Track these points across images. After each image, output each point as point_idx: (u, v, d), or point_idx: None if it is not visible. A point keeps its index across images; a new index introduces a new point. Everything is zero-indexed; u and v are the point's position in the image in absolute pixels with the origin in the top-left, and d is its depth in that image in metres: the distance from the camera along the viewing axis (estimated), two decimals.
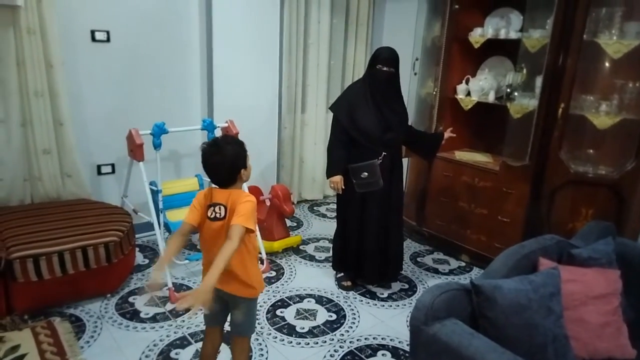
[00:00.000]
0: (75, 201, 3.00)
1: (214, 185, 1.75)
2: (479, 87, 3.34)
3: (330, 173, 2.73)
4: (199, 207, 1.73)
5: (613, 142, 2.82)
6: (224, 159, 1.67)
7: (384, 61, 2.65)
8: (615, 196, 2.75)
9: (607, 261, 1.85)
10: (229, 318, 1.89)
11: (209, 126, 3.12)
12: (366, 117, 2.64)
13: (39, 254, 2.38)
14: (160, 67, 3.36)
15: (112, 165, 3.33)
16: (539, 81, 2.85)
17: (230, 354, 1.93)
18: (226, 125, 3.18)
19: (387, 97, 2.68)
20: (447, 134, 3.00)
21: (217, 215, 1.69)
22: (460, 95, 3.43)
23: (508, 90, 3.21)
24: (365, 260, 2.86)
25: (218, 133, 3.21)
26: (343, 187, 2.71)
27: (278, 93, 3.86)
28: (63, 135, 2.93)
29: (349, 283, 2.98)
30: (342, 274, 3.03)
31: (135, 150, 2.78)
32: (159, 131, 2.86)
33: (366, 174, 2.66)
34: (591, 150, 2.90)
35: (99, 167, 3.28)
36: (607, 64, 2.76)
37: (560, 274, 1.69)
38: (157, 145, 2.87)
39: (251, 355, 2.26)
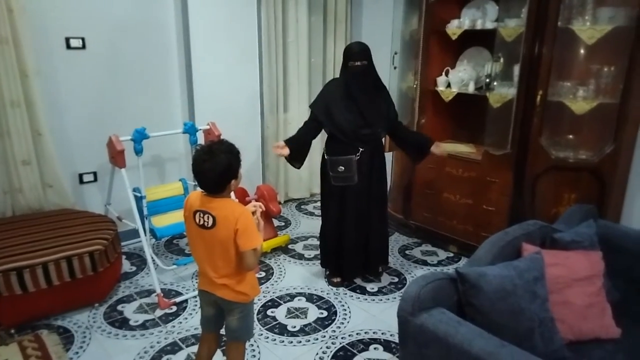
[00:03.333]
0: (58, 211, 2.96)
1: (199, 189, 1.73)
2: (459, 79, 3.36)
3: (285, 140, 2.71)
4: (187, 213, 1.72)
5: (591, 127, 2.86)
6: (216, 167, 1.61)
7: (355, 56, 2.65)
8: (597, 180, 2.80)
9: (589, 243, 1.88)
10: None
11: (190, 129, 3.09)
12: (342, 114, 2.65)
13: (22, 266, 2.34)
14: (138, 71, 3.32)
15: (94, 174, 3.29)
16: (516, 70, 2.88)
17: (225, 358, 1.91)
18: (208, 127, 3.16)
19: (365, 91, 2.67)
20: (437, 149, 2.85)
21: (205, 223, 1.66)
22: (440, 87, 3.45)
23: (487, 80, 3.24)
24: (344, 255, 2.88)
25: (200, 136, 3.20)
26: (281, 155, 2.66)
27: (259, 93, 3.85)
28: (42, 145, 2.89)
29: (338, 279, 2.98)
30: (329, 270, 3.04)
31: (117, 157, 2.75)
32: (140, 137, 2.83)
33: (342, 168, 2.68)
34: (571, 136, 2.94)
35: (80, 175, 3.24)
36: (582, 50, 2.79)
37: (543, 258, 1.72)
38: (138, 151, 2.84)
39: None
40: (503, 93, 3.01)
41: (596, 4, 2.65)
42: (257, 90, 3.81)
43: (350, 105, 2.65)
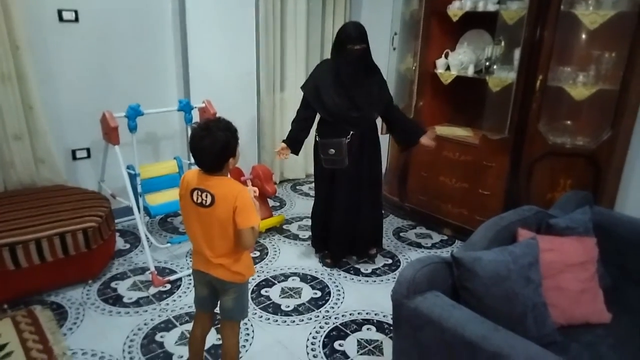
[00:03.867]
0: (50, 187, 2.93)
1: (195, 167, 1.70)
2: (458, 61, 3.32)
3: (283, 140, 2.77)
4: (184, 191, 1.70)
5: (590, 113, 2.86)
6: (214, 144, 1.58)
7: (355, 40, 2.57)
8: (593, 166, 2.80)
9: (584, 230, 1.89)
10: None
11: (185, 107, 3.05)
12: (332, 97, 2.62)
13: (15, 242, 2.32)
14: (133, 47, 3.25)
15: (88, 150, 3.24)
16: (517, 54, 2.85)
17: (219, 336, 1.91)
18: (203, 105, 3.12)
19: (357, 75, 2.62)
20: (426, 141, 2.81)
21: (203, 201, 1.64)
22: (439, 70, 3.41)
23: (487, 63, 3.20)
24: (330, 236, 2.90)
25: (195, 114, 3.16)
26: (286, 157, 2.79)
27: (256, 72, 3.79)
28: (34, 119, 2.84)
29: (329, 260, 3.00)
30: (324, 251, 3.05)
31: (110, 134, 2.71)
32: (134, 113, 2.79)
33: (333, 150, 2.66)
34: (569, 122, 2.93)
35: (73, 151, 3.20)
36: (583, 35, 2.77)
37: (538, 243, 1.72)
38: (132, 128, 2.80)
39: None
40: (503, 77, 2.99)
41: None
42: (253, 69, 3.75)
43: (339, 90, 2.62)
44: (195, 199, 1.66)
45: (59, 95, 3.04)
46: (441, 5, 3.28)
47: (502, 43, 3.03)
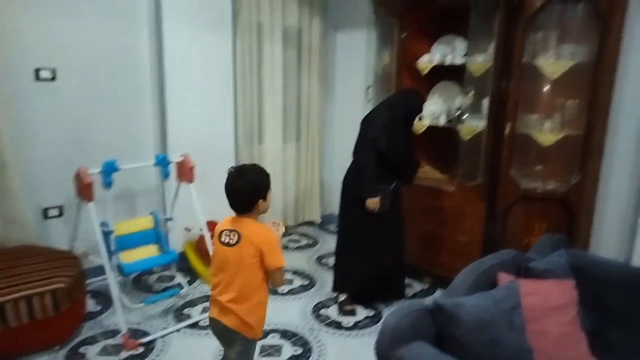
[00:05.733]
0: (18, 248, 2.81)
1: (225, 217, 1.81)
2: (430, 112, 3.44)
3: (371, 194, 2.80)
4: (215, 238, 1.80)
5: (558, 158, 2.94)
6: (246, 185, 1.72)
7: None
8: (565, 209, 2.85)
9: (562, 272, 1.89)
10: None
11: (162, 161, 3.04)
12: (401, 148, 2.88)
13: None
14: (110, 102, 3.27)
15: (60, 208, 3.16)
16: (485, 103, 2.96)
17: None
18: (181, 159, 3.11)
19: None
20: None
21: (230, 240, 1.73)
22: None
23: (458, 113, 3.32)
24: (365, 279, 2.98)
25: (172, 168, 3.14)
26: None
27: (234, 125, 3.83)
28: (5, 178, 2.77)
29: (351, 307, 3.01)
30: (344, 297, 3.05)
31: (84, 190, 2.66)
32: (109, 169, 2.75)
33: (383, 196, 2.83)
34: (539, 167, 3.01)
35: (45, 210, 3.11)
36: (547, 84, 2.90)
37: (519, 287, 1.71)
38: (107, 184, 2.76)
39: None
40: (473, 125, 3.08)
41: (559, 41, 2.78)
42: (231, 123, 3.80)
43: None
44: (223, 239, 1.76)
45: (32, 153, 2.99)
46: (412, 59, 3.44)
47: (471, 93, 3.16)
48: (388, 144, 2.77)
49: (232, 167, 1.80)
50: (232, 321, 1.76)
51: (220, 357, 2.43)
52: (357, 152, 2.91)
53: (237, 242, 1.72)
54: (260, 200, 1.75)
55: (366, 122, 2.91)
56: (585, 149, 2.80)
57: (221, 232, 1.77)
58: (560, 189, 2.85)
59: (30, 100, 2.94)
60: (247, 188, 1.72)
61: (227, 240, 1.74)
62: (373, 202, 2.78)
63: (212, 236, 1.89)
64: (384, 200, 2.82)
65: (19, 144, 2.89)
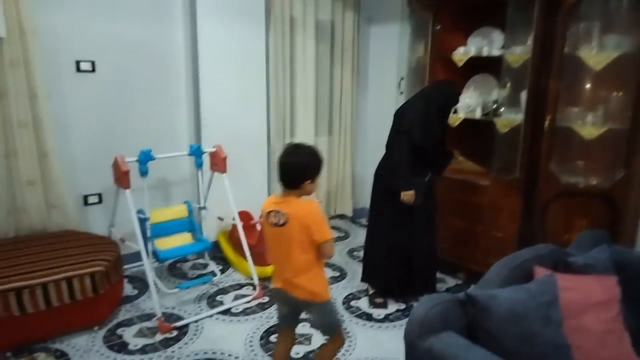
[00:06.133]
0: (60, 232, 2.93)
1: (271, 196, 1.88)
2: (465, 105, 3.36)
3: (406, 186, 2.77)
4: (263, 218, 1.85)
5: (602, 152, 2.82)
6: (296, 163, 1.77)
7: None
8: (608, 206, 2.74)
9: (603, 268, 1.81)
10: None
11: (196, 152, 3.09)
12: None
13: (21, 287, 2.30)
14: (146, 94, 3.36)
15: (99, 195, 3.27)
16: (523, 95, 2.87)
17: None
18: (214, 150, 3.16)
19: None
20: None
21: (278, 221, 1.78)
22: None
23: (494, 106, 3.23)
24: (399, 270, 2.96)
25: (206, 159, 3.20)
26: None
27: (266, 118, 3.86)
28: (48, 166, 2.89)
29: (382, 299, 3.02)
30: (374, 290, 3.08)
31: (121, 178, 2.74)
32: (145, 158, 2.83)
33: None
34: (581, 161, 2.89)
35: (85, 197, 3.23)
36: (590, 76, 2.79)
37: (556, 281, 1.65)
38: (143, 172, 2.84)
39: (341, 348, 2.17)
40: (510, 118, 3.00)
41: (602, 32, 2.66)
42: (264, 115, 3.83)
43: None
44: (271, 220, 1.80)
45: (73, 142, 3.11)
46: (446, 51, 3.36)
47: (508, 85, 3.07)
48: (422, 136, 2.72)
49: (290, 142, 1.86)
50: (302, 293, 1.83)
51: (250, 340, 2.49)
52: (390, 144, 2.88)
53: (285, 222, 1.76)
54: (308, 181, 1.78)
55: (400, 114, 2.87)
56: (630, 144, 2.68)
57: (268, 212, 1.81)
58: (604, 185, 2.73)
59: (71, 90, 3.06)
60: (296, 166, 1.76)
61: (275, 221, 1.78)
62: (408, 195, 2.74)
63: (260, 216, 1.91)
64: (417, 193, 2.77)
65: (61, 133, 3.01)
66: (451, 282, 3.33)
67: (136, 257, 3.10)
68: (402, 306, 2.98)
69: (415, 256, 2.94)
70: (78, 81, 3.07)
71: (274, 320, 2.76)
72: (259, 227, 3.35)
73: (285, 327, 2.02)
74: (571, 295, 1.66)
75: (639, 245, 2.76)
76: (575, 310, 1.63)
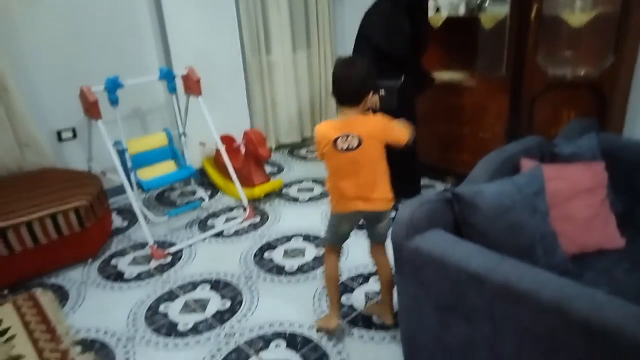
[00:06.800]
0: (38, 171, 2.85)
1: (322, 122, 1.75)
2: (448, 1, 3.16)
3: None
4: (326, 148, 1.70)
5: (590, 40, 2.70)
6: (358, 73, 1.63)
7: None
8: (597, 96, 2.67)
9: (591, 155, 1.79)
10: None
11: (166, 75, 2.93)
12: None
13: (5, 226, 2.26)
14: (106, 17, 3.10)
15: (73, 130, 3.14)
16: None
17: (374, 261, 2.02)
18: (186, 72, 2.99)
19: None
20: None
21: (350, 145, 1.66)
22: (429, 14, 3.24)
23: (478, 1, 3.04)
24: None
25: (178, 82, 3.04)
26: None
27: (238, 33, 3.63)
28: (10, 102, 2.73)
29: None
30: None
31: (90, 109, 2.61)
32: (113, 86, 2.68)
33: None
34: (569, 51, 2.78)
35: (59, 133, 3.10)
36: None
37: (542, 172, 1.63)
38: (114, 101, 2.70)
39: None
40: (496, 12, 2.83)
41: None
42: (235, 32, 3.59)
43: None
44: (340, 146, 1.67)
45: (36, 76, 2.92)
46: None
47: None
48: (387, 37, 2.55)
49: (339, 57, 1.72)
50: (382, 204, 1.79)
51: (245, 258, 2.51)
52: (354, 49, 2.72)
53: (359, 144, 1.65)
54: (370, 94, 1.67)
55: (365, 16, 2.69)
56: (620, 28, 2.54)
57: (335, 140, 1.66)
58: (592, 74, 2.64)
59: (25, 19, 2.81)
60: (358, 76, 1.63)
61: (346, 146, 1.66)
62: (371, 101, 2.62)
63: (319, 144, 1.72)
64: (390, 97, 2.60)
65: (21, 67, 2.82)
66: (440, 187, 3.34)
67: (122, 189, 3.05)
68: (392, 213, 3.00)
69: (394, 163, 2.85)
70: (31, 9, 2.81)
71: (267, 238, 2.79)
72: (243, 150, 3.28)
73: (340, 245, 1.97)
74: (557, 185, 1.65)
75: (627, 134, 2.73)
76: (562, 199, 1.63)
